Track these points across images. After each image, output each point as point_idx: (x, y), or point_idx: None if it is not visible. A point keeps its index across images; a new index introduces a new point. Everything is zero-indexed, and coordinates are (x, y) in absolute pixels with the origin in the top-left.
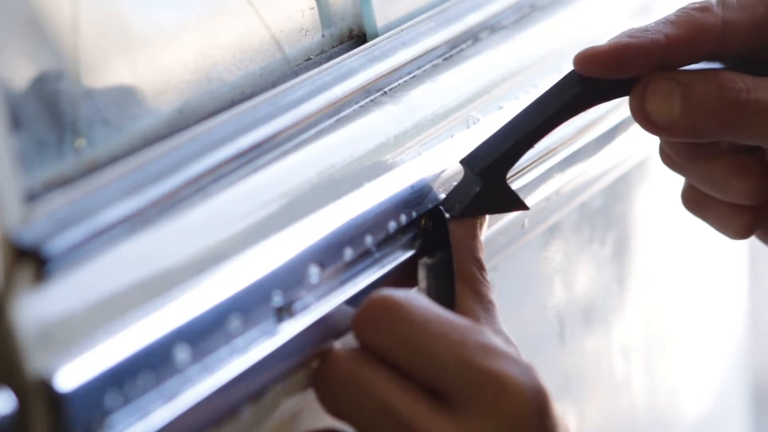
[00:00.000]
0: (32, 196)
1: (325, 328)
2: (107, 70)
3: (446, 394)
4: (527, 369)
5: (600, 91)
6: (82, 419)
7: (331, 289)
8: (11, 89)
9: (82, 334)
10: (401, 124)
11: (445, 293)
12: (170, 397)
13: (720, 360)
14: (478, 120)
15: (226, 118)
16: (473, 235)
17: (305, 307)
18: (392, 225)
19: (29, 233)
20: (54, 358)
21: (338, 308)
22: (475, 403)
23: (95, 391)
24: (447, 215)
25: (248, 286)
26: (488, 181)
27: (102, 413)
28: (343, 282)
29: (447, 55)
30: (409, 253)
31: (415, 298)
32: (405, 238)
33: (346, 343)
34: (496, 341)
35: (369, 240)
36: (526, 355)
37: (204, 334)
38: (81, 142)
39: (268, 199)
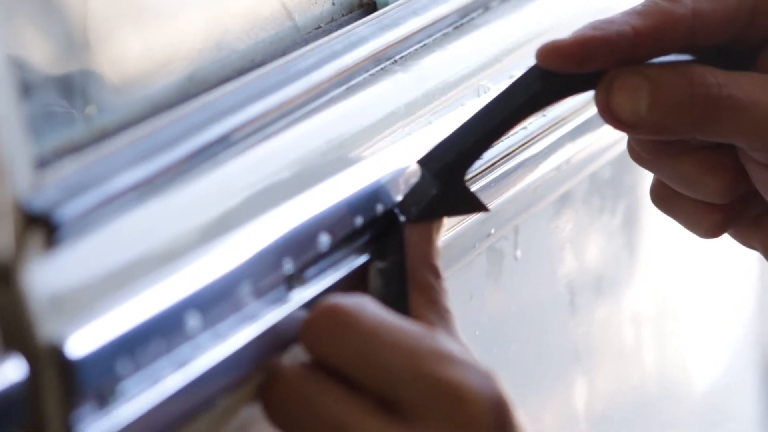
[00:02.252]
0: (42, 163)
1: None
2: (117, 37)
3: (399, 405)
4: (485, 377)
5: (564, 85)
6: (94, 385)
7: (343, 257)
8: (21, 57)
9: (92, 301)
10: (412, 92)
11: (398, 300)
12: (181, 364)
13: (730, 330)
14: (489, 89)
15: (237, 86)
16: (429, 240)
17: (316, 275)
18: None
19: (39, 200)
20: (65, 324)
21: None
22: (429, 414)
23: (106, 358)
24: (402, 219)
25: (258, 253)
26: (446, 182)
27: (113, 379)
28: (355, 251)
29: (458, 23)
30: (362, 259)
31: (365, 305)
32: (358, 243)
33: (294, 355)
34: (452, 347)
35: (380, 208)
36: (536, 326)
37: (215, 302)
38: (91, 110)
39: (278, 167)
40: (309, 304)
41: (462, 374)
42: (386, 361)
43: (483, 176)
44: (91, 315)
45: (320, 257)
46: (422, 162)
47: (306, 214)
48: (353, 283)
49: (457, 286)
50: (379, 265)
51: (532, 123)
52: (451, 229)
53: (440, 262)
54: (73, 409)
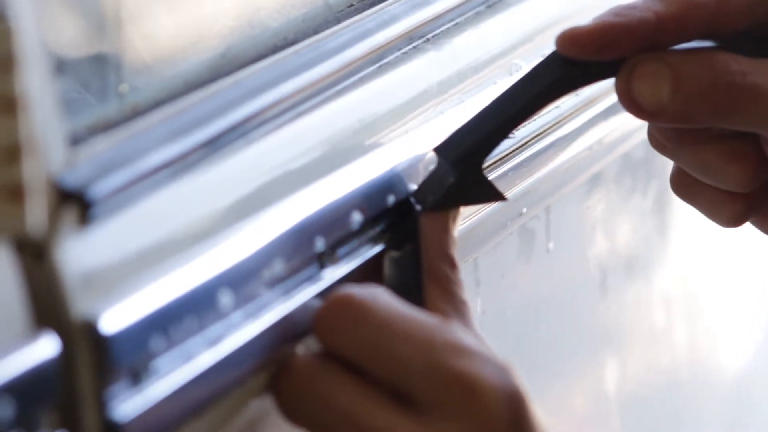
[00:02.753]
0: (76, 141)
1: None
2: (150, 15)
3: (413, 397)
4: (501, 369)
5: (584, 73)
6: (127, 362)
7: (375, 236)
8: (55, 35)
9: (126, 278)
10: (444, 71)
11: (412, 290)
12: (214, 341)
13: (762, 313)
14: (521, 68)
15: (269, 63)
16: (445, 230)
17: (348, 254)
18: None
19: (73, 177)
20: (98, 301)
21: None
22: (444, 406)
23: (140, 335)
24: (418, 208)
25: (290, 231)
26: (463, 171)
27: (146, 356)
28: (386, 229)
29: (490, 2)
30: (377, 249)
31: (379, 296)
32: (373, 232)
33: (308, 345)
34: (467, 339)
35: (413, 187)
36: (567, 307)
37: (247, 280)
38: (124, 87)
39: (310, 145)
40: (342, 282)
41: (477, 367)
42: (400, 353)
43: (515, 155)
44: (124, 292)
45: (352, 236)
46: (439, 150)
47: (338, 193)
48: (369, 272)
49: (489, 265)
50: (394, 254)
51: (565, 102)
52: (478, 211)
53: (456, 252)
54: (107, 386)
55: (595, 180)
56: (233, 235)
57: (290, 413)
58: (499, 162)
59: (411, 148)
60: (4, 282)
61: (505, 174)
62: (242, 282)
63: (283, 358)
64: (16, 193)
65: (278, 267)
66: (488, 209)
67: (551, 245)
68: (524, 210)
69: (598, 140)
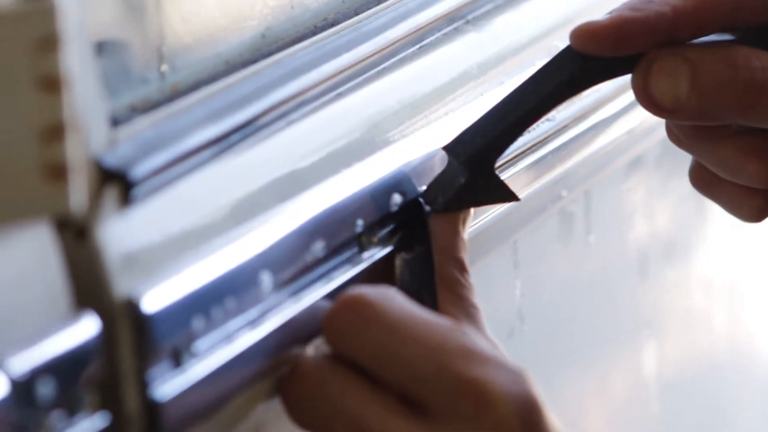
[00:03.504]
0: (117, 121)
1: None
2: None
3: (423, 403)
4: (515, 376)
5: (599, 69)
6: (168, 342)
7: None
8: (96, 15)
9: (167, 259)
10: (484, 52)
11: (424, 293)
12: (254, 322)
13: None
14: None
15: (309, 44)
16: (455, 233)
17: (389, 236)
18: None
19: (114, 157)
20: (139, 281)
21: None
22: (454, 414)
23: (181, 315)
24: (427, 209)
25: (331, 213)
26: (475, 171)
27: (188, 337)
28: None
29: None
30: (387, 250)
31: (390, 297)
32: (383, 232)
33: (317, 347)
34: (480, 343)
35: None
36: (606, 290)
37: (287, 261)
38: (165, 68)
39: (350, 126)
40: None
41: (489, 373)
42: (410, 358)
43: (555, 138)
44: (165, 273)
45: (392, 218)
46: (449, 149)
47: (378, 175)
48: (381, 273)
49: (528, 248)
50: (405, 256)
51: (606, 85)
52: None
53: (467, 255)
54: (148, 366)
55: (635, 163)
56: (274, 216)
57: (298, 416)
58: (538, 145)
59: (451, 130)
60: (46, 262)
61: (544, 157)
62: (282, 263)
63: (291, 360)
64: (58, 173)
65: (318, 248)
66: (527, 193)
67: (590, 228)
68: (564, 193)
69: (639, 123)
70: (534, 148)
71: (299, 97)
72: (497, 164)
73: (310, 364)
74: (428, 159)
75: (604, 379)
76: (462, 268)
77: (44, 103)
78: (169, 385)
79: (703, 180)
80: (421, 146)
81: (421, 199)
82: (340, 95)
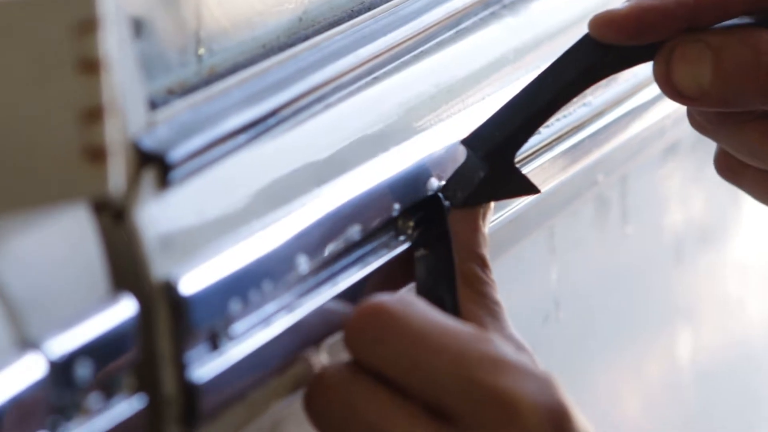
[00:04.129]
0: (155, 103)
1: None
2: None
3: (450, 414)
4: (542, 383)
5: (619, 57)
6: (206, 325)
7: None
8: None
9: (204, 242)
10: (520, 37)
11: (445, 291)
12: (291, 306)
13: None
14: None
15: (346, 28)
16: (475, 228)
17: (425, 220)
18: None
19: (152, 139)
20: (177, 264)
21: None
22: (481, 425)
23: (218, 298)
24: (446, 204)
25: (368, 197)
26: (494, 164)
27: (225, 320)
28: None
29: None
30: (404, 246)
31: (412, 305)
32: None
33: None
34: (505, 351)
35: None
36: (641, 275)
37: (324, 244)
38: (202, 51)
39: (387, 110)
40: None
41: (515, 382)
42: (434, 368)
43: (591, 123)
44: (202, 255)
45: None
46: (467, 142)
47: (415, 159)
48: (400, 270)
49: (563, 233)
50: (423, 253)
51: (642, 70)
52: (554, 176)
53: (488, 251)
54: (185, 348)
55: (671, 149)
56: (311, 200)
57: (320, 425)
58: (574, 129)
59: (487, 114)
60: (84, 245)
61: (581, 142)
62: (319, 246)
63: (314, 369)
64: (97, 155)
65: (355, 232)
66: (561, 179)
67: (626, 214)
68: (600, 178)
69: (675, 109)
70: (571, 132)
71: (336, 81)
72: (516, 158)
73: (333, 374)
74: None
75: (639, 365)
76: (483, 264)
77: (84, 86)
78: (207, 367)
79: (729, 167)
80: (457, 130)
81: (440, 195)
82: (376, 79)
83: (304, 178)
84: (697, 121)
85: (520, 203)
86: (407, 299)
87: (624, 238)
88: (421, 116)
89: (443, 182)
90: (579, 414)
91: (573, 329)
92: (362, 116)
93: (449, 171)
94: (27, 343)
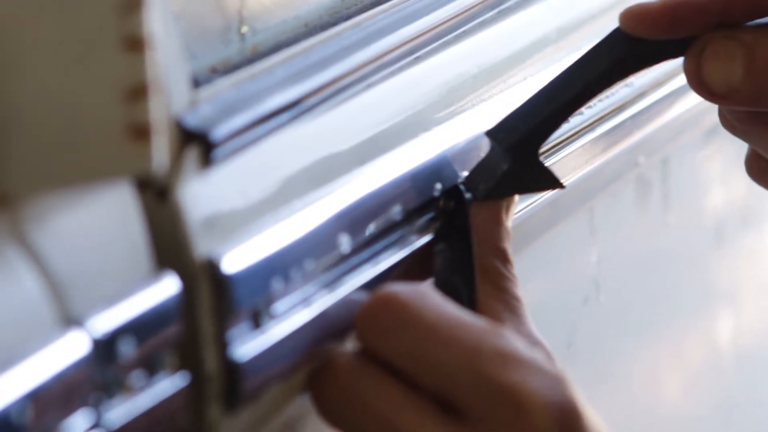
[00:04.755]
0: (198, 82)
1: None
2: None
3: (458, 408)
4: (552, 380)
5: (649, 52)
6: (248, 303)
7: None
8: None
9: (247, 220)
10: (563, 17)
11: (463, 286)
12: (332, 285)
13: None
14: None
15: (388, 7)
16: (497, 221)
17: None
18: None
19: (195, 118)
20: (220, 242)
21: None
22: (489, 420)
23: (260, 277)
24: (468, 196)
25: (410, 177)
26: (518, 157)
27: (267, 298)
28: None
29: None
30: (425, 239)
31: (425, 297)
32: (421, 221)
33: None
34: (518, 346)
35: None
36: (681, 258)
37: (366, 224)
38: (245, 29)
39: (429, 90)
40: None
41: (525, 378)
42: (444, 361)
43: (633, 104)
44: (245, 234)
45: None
46: (491, 134)
47: (457, 139)
48: (417, 264)
49: (604, 214)
50: (443, 246)
51: None
52: (595, 157)
53: (510, 245)
54: (228, 327)
55: (713, 132)
56: (353, 179)
57: (329, 415)
58: (616, 111)
59: (530, 94)
60: (128, 222)
61: (622, 123)
62: (361, 226)
63: (322, 357)
64: (141, 132)
65: (396, 212)
66: (602, 160)
67: (667, 196)
68: (641, 160)
69: None
70: (612, 114)
71: (378, 61)
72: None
73: (343, 362)
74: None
75: (679, 347)
76: (504, 259)
77: (128, 63)
78: (249, 346)
79: (759, 169)
80: (500, 111)
81: (461, 186)
82: (418, 59)
83: (346, 157)
84: (728, 121)
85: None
86: (421, 290)
87: (665, 220)
88: (463, 96)
89: (465, 174)
90: (591, 413)
91: (613, 311)
92: (404, 96)
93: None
94: (71, 320)
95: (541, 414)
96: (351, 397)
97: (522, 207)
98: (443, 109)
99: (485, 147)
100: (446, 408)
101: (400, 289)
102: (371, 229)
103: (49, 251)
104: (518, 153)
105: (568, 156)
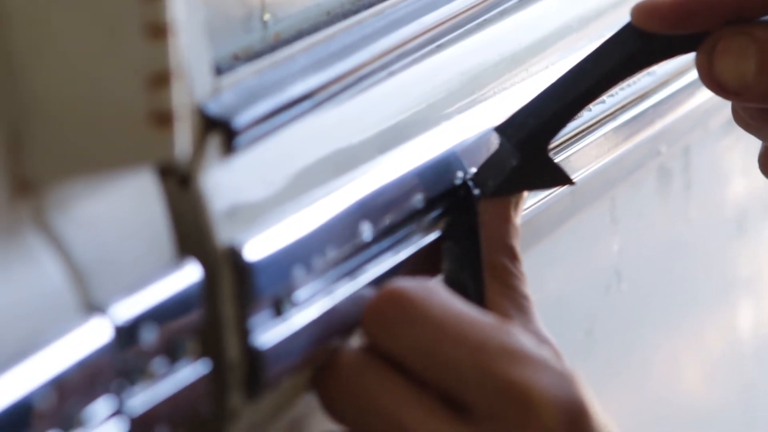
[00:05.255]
0: (220, 69)
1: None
2: None
3: (464, 405)
4: (561, 378)
5: (661, 47)
6: (270, 291)
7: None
8: None
9: (269, 208)
10: (584, 5)
11: (471, 283)
12: (353, 273)
13: None
14: None
15: None
16: (506, 218)
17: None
18: None
19: (218, 105)
20: (242, 230)
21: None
22: (496, 418)
23: (282, 264)
24: (476, 192)
25: (432, 166)
26: (527, 153)
27: (289, 286)
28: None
29: None
30: (432, 236)
31: (433, 292)
32: (429, 217)
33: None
34: (525, 343)
35: None
36: (703, 247)
37: (388, 212)
38: (267, 17)
39: (450, 78)
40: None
41: (533, 376)
42: (452, 358)
43: (654, 93)
44: (267, 222)
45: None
46: (501, 129)
47: (480, 127)
48: (427, 260)
49: (625, 204)
50: (451, 243)
51: None
52: (617, 146)
53: (518, 242)
54: (249, 314)
55: (733, 122)
56: (375, 167)
57: (333, 411)
58: (637, 99)
59: (550, 83)
60: (150, 210)
61: (643, 112)
62: (383, 214)
63: (326, 351)
64: (163, 119)
65: (418, 200)
66: (624, 149)
67: (689, 185)
68: (663, 149)
69: None
70: (634, 102)
71: (400, 48)
72: (551, 146)
73: (349, 356)
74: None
75: (700, 336)
76: (513, 257)
77: (151, 50)
78: (270, 333)
79: None
80: (521, 99)
81: (470, 183)
82: (440, 47)
83: (368, 144)
84: (741, 117)
85: (587, 169)
86: (429, 286)
87: (686, 210)
88: (485, 84)
89: (473, 170)
90: (599, 412)
91: (634, 300)
92: (426, 84)
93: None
94: (93, 307)
95: (549, 412)
96: (356, 392)
97: (543, 196)
98: (465, 98)
99: (495, 142)
100: (453, 405)
101: (408, 284)
102: (393, 217)
103: (71, 238)
104: (527, 149)
105: (590, 145)
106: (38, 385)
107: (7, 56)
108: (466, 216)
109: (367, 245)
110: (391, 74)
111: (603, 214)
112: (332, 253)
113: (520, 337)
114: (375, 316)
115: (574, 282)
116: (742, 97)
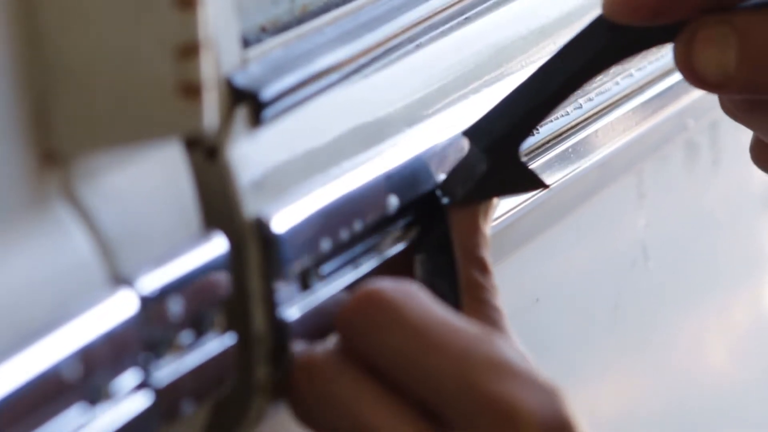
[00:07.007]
0: (248, 41)
1: None
2: None
3: (443, 417)
4: (546, 394)
5: (635, 40)
6: (296, 263)
7: (546, 142)
8: None
9: (296, 180)
10: None
11: (447, 291)
12: (379, 246)
13: None
14: None
15: None
16: (475, 228)
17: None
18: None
19: (245, 77)
20: (269, 202)
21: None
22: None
23: (309, 237)
24: (444, 201)
25: (459, 141)
26: (497, 158)
27: (315, 259)
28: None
29: None
30: (400, 246)
31: (414, 296)
32: (398, 227)
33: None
34: (510, 356)
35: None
36: (730, 222)
37: (414, 186)
38: None
39: (478, 51)
40: None
41: (517, 391)
42: (431, 366)
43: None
44: (294, 194)
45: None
46: (469, 134)
47: None
48: (402, 266)
49: (652, 178)
50: (421, 256)
51: None
52: (644, 120)
53: (488, 253)
54: (276, 287)
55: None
56: (402, 140)
57: (302, 415)
58: (664, 74)
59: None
60: (177, 181)
61: (671, 87)
62: (409, 188)
63: (300, 356)
64: (192, 91)
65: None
66: (651, 124)
67: (716, 160)
68: (690, 123)
69: None
70: (661, 77)
71: (428, 21)
72: (522, 150)
73: (320, 359)
74: None
75: (726, 312)
76: (483, 269)
77: (180, 21)
78: (297, 306)
79: (763, 156)
80: None
81: (437, 191)
82: (468, 19)
83: (395, 118)
84: (728, 108)
85: (613, 144)
86: (411, 289)
87: (714, 184)
88: (512, 57)
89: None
90: (585, 430)
91: (660, 275)
92: (453, 57)
93: None
94: (120, 279)
95: (532, 428)
96: (328, 396)
97: (567, 172)
98: (492, 71)
99: (465, 147)
100: (429, 416)
101: (388, 285)
102: (419, 192)
103: (99, 210)
104: (497, 153)
105: (618, 119)
106: (65, 356)
107: (35, 27)
108: (436, 226)
109: (393, 218)
110: (419, 47)
111: (630, 188)
112: (359, 226)
113: (505, 350)
114: (351, 318)
115: (601, 256)
116: (724, 89)
